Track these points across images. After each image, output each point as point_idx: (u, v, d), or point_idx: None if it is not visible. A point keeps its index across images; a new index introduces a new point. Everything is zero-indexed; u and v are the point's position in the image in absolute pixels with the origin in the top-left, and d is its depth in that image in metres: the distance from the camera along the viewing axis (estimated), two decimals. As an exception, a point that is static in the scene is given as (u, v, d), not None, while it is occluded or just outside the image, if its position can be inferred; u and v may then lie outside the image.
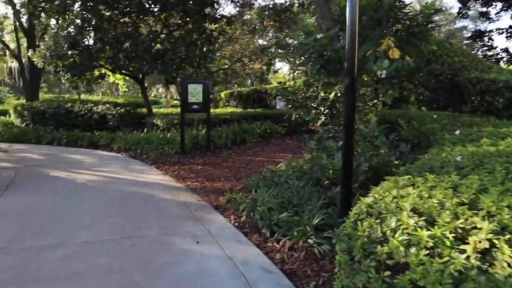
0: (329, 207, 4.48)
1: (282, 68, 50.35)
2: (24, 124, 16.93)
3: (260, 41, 24.05)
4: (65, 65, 13.71)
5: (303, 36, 5.86)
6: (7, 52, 20.49)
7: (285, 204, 4.70)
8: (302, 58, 5.15)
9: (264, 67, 27.38)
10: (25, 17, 18.86)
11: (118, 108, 14.06)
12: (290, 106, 6.41)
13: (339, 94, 5.29)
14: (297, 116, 6.47)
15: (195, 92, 9.32)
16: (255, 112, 12.58)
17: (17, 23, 18.60)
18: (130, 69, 13.42)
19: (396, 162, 4.67)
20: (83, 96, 28.67)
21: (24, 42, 20.26)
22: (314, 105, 6.32)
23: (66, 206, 5.60)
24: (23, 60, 18.97)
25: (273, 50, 32.54)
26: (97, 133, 13.12)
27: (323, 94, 6.26)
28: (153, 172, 8.21)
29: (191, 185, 6.84)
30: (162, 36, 14.38)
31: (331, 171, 4.85)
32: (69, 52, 13.91)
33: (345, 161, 3.35)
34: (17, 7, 18.38)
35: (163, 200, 5.84)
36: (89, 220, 4.95)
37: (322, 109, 6.40)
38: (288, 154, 8.87)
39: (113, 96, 36.54)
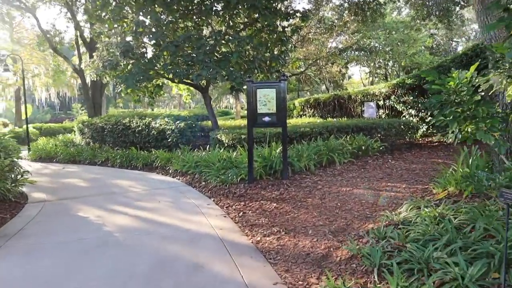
0: None
1: (354, 74, 46.67)
2: (83, 141, 15.77)
3: (335, 43, 21.28)
4: (119, 75, 12.08)
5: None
6: (68, 67, 19.80)
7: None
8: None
9: (343, 70, 24.43)
10: (87, 30, 17.88)
11: (178, 122, 12.11)
12: (448, 115, 3.67)
13: None
14: (461, 134, 3.70)
15: (266, 100, 6.93)
16: (342, 123, 9.91)
17: (78, 36, 17.59)
18: (190, 76, 11.41)
19: None
20: (156, 111, 27.75)
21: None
22: (501, 114, 3.56)
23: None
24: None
25: (349, 53, 29.55)
26: (154, 152, 11.26)
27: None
28: (210, 211, 5.90)
29: (262, 241, 4.40)
30: (227, 37, 12.29)
31: None
32: (124, 62, 12.32)
33: None
34: (78, 19, 17.40)
35: (215, 279, 3.45)
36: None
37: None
38: (399, 184, 6.15)
39: (183, 109, 35.56)
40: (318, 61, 20.22)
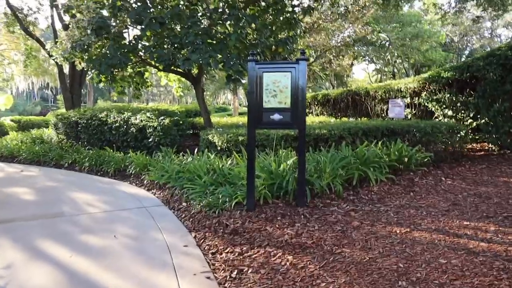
0: None
1: (355, 73, 44.27)
2: (56, 138, 13.57)
3: (347, 33, 18.92)
4: (91, 59, 9.85)
5: None
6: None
7: None
8: None
9: (355, 63, 22.10)
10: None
11: (162, 118, 9.89)
12: None
13: None
14: None
15: (277, 89, 4.74)
16: (368, 124, 7.66)
17: (55, 16, 15.31)
18: (177, 62, 9.18)
19: None
20: (150, 105, 25.31)
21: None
22: None
23: None
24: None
25: (358, 48, 27.27)
26: (131, 155, 9.05)
27: None
28: (185, 261, 3.71)
29: None
30: (224, 17, 10.08)
31: None
32: (98, 43, 10.11)
33: None
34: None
35: None
36: None
37: None
38: (482, 224, 3.96)
39: (177, 104, 33.27)
40: (327, 53, 17.97)
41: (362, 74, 47.54)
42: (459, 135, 7.83)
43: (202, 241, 4.25)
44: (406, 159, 6.10)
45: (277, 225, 4.29)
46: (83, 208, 5.90)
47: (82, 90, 17.27)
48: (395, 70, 35.18)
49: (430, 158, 6.67)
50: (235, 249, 3.83)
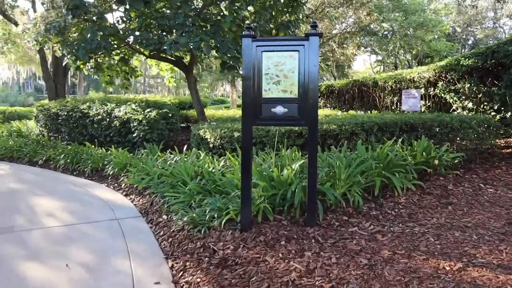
0: None
1: (354, 65, 42.82)
2: (37, 130, 12.47)
3: (352, 19, 17.66)
4: (68, 42, 8.71)
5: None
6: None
7: None
8: None
9: (360, 52, 20.95)
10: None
11: (149, 110, 8.79)
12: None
13: None
14: None
15: (281, 74, 3.64)
16: (385, 118, 6.54)
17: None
18: (164, 46, 8.03)
19: None
20: (140, 96, 23.92)
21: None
22: None
23: None
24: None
25: (360, 38, 26.04)
26: (111, 152, 7.97)
27: None
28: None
29: None
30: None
31: None
32: (77, 25, 8.99)
33: None
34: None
35: None
36: None
37: None
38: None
39: (174, 96, 32.00)
40: (330, 41, 16.81)
41: (362, 66, 46.21)
42: (491, 132, 6.75)
43: (180, 274, 3.18)
44: (436, 161, 5.02)
45: (280, 254, 3.21)
46: (40, 220, 4.82)
47: (69, 79, 16.11)
48: (397, 61, 33.97)
49: (461, 159, 5.60)
50: (224, 294, 2.75)
